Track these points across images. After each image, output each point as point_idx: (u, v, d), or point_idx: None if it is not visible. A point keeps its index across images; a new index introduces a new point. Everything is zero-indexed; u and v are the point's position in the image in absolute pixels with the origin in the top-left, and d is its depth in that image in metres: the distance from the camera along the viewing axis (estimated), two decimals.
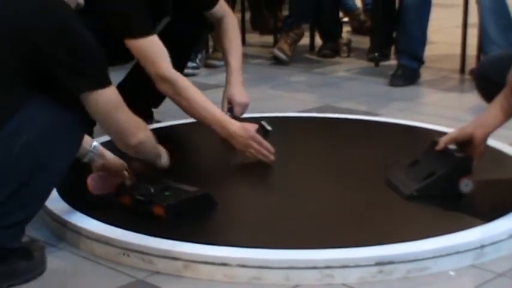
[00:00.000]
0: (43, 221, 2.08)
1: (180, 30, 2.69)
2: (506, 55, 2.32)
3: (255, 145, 2.42)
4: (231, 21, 2.76)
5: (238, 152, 2.45)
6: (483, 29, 3.61)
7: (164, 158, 2.22)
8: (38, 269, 1.87)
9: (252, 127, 2.46)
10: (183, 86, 2.47)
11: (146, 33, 2.45)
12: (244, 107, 2.68)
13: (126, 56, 2.58)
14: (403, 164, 2.27)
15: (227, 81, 2.73)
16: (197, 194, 2.10)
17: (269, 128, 2.49)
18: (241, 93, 2.69)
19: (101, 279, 1.87)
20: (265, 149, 2.42)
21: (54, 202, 2.07)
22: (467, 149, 2.13)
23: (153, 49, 2.46)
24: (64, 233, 2.03)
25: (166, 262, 1.86)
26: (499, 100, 2.08)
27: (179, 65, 2.87)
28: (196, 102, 2.47)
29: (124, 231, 1.94)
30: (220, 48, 2.64)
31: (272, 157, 2.42)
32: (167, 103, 2.90)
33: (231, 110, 2.66)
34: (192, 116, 2.52)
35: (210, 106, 2.47)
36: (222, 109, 2.64)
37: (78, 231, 1.99)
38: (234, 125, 2.44)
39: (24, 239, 1.89)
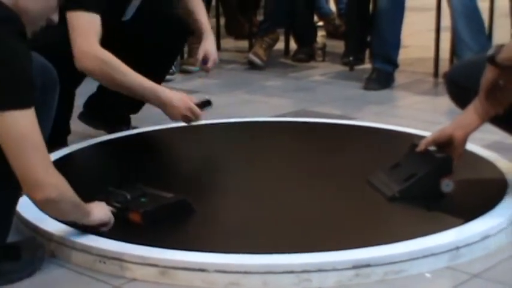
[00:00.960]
0: (17, 228, 2.06)
1: (162, 40, 2.70)
2: (476, 60, 2.33)
3: (190, 115, 2.52)
4: None
5: (171, 117, 2.56)
6: (455, 32, 3.64)
7: (94, 216, 1.91)
8: (25, 270, 1.84)
9: (189, 98, 2.54)
10: (116, 62, 2.45)
11: (88, 8, 2.44)
12: (215, 63, 2.85)
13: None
14: (384, 166, 2.29)
15: (204, 38, 2.82)
16: (174, 200, 2.09)
17: (207, 97, 2.62)
18: (215, 50, 2.83)
19: (77, 287, 1.86)
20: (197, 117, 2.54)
21: (29, 209, 2.06)
22: (447, 150, 2.15)
23: (89, 25, 2.44)
24: (38, 241, 2.01)
25: (144, 269, 1.86)
26: (474, 104, 2.11)
27: (161, 73, 2.89)
28: (132, 75, 2.46)
29: (100, 238, 1.93)
30: (184, 11, 2.71)
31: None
32: (145, 109, 2.90)
33: (205, 63, 2.82)
34: (127, 89, 2.49)
35: (144, 79, 2.49)
36: (198, 60, 2.82)
37: (53, 239, 1.97)
38: (173, 95, 2.51)
39: (18, 237, 1.86)
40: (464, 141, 2.14)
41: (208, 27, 2.85)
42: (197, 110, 2.53)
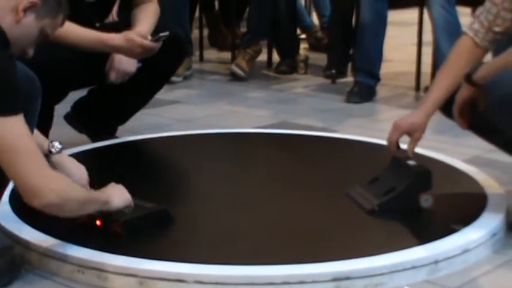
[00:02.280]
0: None
1: (158, 61, 2.66)
2: None
3: (143, 52, 2.50)
4: (153, 6, 2.71)
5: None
6: (437, 47, 3.67)
7: (114, 203, 1.93)
8: (2, 279, 1.82)
9: (135, 34, 2.49)
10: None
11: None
12: (120, 75, 2.69)
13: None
14: (364, 180, 2.29)
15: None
16: (154, 210, 2.08)
17: (162, 34, 2.53)
18: (125, 62, 2.66)
19: None
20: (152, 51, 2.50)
21: (7, 218, 2.04)
22: (416, 135, 2.20)
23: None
24: (17, 250, 2.00)
25: (122, 279, 1.85)
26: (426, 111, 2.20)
27: (153, 91, 2.88)
28: (74, 30, 2.43)
29: (79, 247, 1.92)
30: (132, 19, 2.67)
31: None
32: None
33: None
34: (76, 43, 2.46)
35: (86, 31, 2.47)
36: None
37: (31, 248, 1.96)
38: (120, 39, 2.48)
39: None
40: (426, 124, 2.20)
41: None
42: (148, 44, 2.49)
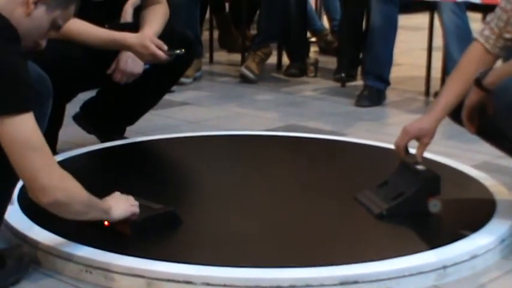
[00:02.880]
0: (2, 235, 2.05)
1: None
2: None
3: (153, 59, 2.52)
4: (163, 8, 2.71)
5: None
6: (447, 52, 3.67)
7: (114, 214, 1.91)
8: (10, 278, 1.82)
9: (150, 40, 2.50)
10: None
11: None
12: (125, 74, 2.68)
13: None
14: (372, 184, 2.29)
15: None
16: (162, 211, 2.08)
17: (178, 51, 2.55)
18: (131, 62, 2.66)
19: None
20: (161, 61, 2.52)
21: (15, 216, 2.05)
22: (425, 141, 2.20)
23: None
24: (25, 249, 2.00)
25: (130, 279, 1.85)
26: (436, 115, 2.19)
27: (162, 91, 2.88)
28: (86, 28, 2.45)
29: (87, 247, 1.92)
30: (140, 20, 2.68)
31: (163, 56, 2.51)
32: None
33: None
34: (88, 41, 2.47)
35: (100, 30, 2.49)
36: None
37: (39, 247, 1.96)
38: (135, 41, 2.49)
39: (4, 246, 1.85)
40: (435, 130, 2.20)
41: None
42: (161, 56, 2.50)
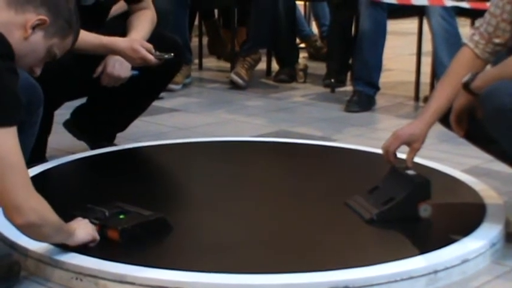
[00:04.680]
0: None
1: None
2: None
3: (143, 63, 2.52)
4: (150, 13, 2.72)
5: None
6: (436, 57, 3.67)
7: (77, 237, 1.89)
8: (0, 285, 1.82)
9: (139, 44, 2.51)
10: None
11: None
12: (112, 78, 2.67)
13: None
14: (362, 189, 2.29)
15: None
16: (152, 217, 2.08)
17: (167, 55, 2.56)
18: (118, 66, 2.65)
19: None
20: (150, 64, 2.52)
21: (4, 223, 2.04)
22: (416, 146, 2.20)
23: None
24: (14, 257, 1.99)
25: (120, 286, 1.84)
26: (426, 119, 2.20)
27: (151, 98, 2.87)
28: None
29: (77, 254, 1.91)
30: (128, 26, 2.68)
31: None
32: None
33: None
34: (77, 45, 2.45)
35: (91, 35, 2.47)
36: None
37: (29, 255, 1.95)
38: (125, 45, 2.50)
39: None
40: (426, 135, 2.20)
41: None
42: (151, 59, 2.50)
